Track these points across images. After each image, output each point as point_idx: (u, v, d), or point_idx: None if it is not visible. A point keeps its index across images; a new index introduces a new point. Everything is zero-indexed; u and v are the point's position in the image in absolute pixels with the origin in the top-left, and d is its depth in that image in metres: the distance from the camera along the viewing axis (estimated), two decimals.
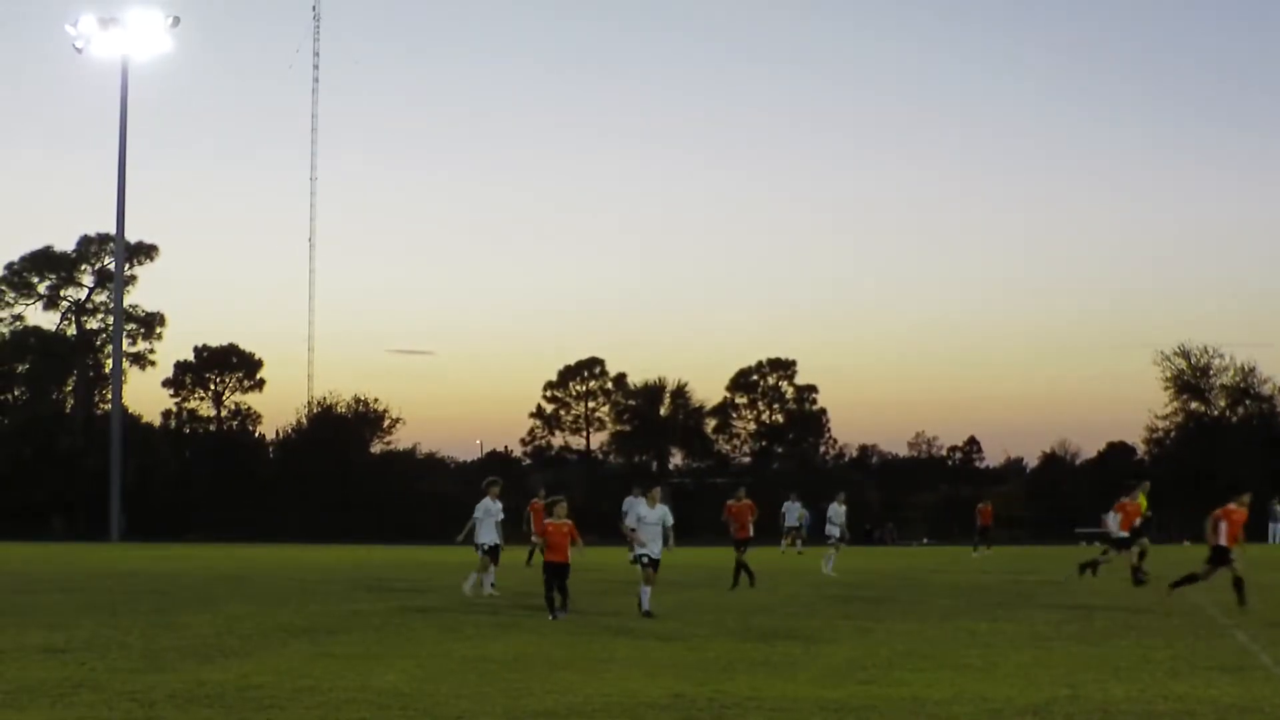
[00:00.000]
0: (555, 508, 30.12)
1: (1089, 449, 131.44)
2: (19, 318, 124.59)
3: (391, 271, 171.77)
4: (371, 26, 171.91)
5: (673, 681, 19.26)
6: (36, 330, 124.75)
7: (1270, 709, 16.68)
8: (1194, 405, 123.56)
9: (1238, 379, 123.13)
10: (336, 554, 65.29)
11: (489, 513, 35.81)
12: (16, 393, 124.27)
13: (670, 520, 30.98)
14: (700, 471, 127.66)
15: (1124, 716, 16.06)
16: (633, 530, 30.22)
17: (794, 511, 68.13)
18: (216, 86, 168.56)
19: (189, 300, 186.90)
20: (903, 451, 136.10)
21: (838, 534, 51.09)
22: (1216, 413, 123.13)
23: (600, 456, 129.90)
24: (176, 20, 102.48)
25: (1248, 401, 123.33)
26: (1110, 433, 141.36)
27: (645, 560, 29.21)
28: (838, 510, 51.92)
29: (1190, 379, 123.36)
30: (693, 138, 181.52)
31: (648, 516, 29.76)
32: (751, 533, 41.13)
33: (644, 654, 22.88)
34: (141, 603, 35.42)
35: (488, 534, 35.75)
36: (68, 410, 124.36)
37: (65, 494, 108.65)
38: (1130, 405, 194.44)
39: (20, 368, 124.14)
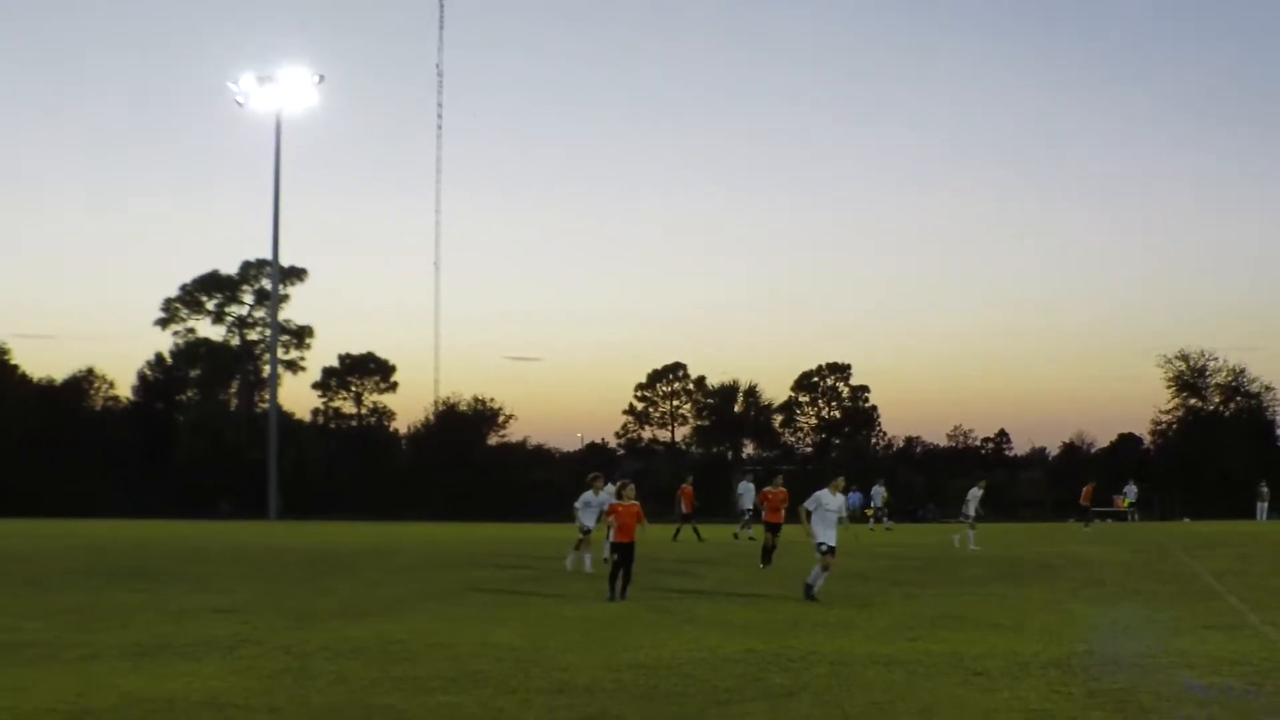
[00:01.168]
0: (624, 490, 28.12)
1: (1103, 439, 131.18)
2: (191, 330, 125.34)
3: (505, 289, 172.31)
4: (488, 83, 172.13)
5: (745, 639, 19.30)
6: (206, 341, 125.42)
7: (1257, 661, 16.62)
8: (1192, 401, 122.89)
9: (1230, 378, 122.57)
10: (459, 531, 65.32)
11: (588, 504, 34.47)
12: (189, 394, 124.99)
13: (845, 510, 29.32)
14: (769, 460, 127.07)
15: (1132, 668, 16.00)
16: (810, 512, 25.88)
17: (879, 495, 68.01)
18: (355, 133, 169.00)
19: (333, 315, 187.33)
20: (942, 442, 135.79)
21: (972, 514, 50.47)
22: (1212, 408, 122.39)
23: (683, 448, 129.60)
24: (322, 78, 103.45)
25: (1239, 398, 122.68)
26: (1121, 425, 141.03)
27: (825, 548, 25.50)
28: (975, 494, 51.18)
29: (1189, 379, 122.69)
30: (759, 174, 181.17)
31: (829, 504, 25.94)
32: (784, 518, 37.78)
33: (721, 616, 22.91)
34: (295, 572, 35.66)
35: (589, 519, 34.45)
36: (232, 409, 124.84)
37: (230, 480, 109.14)
38: (1137, 402, 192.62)
39: (193, 373, 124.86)
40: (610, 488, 34.71)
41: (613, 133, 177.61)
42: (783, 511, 37.79)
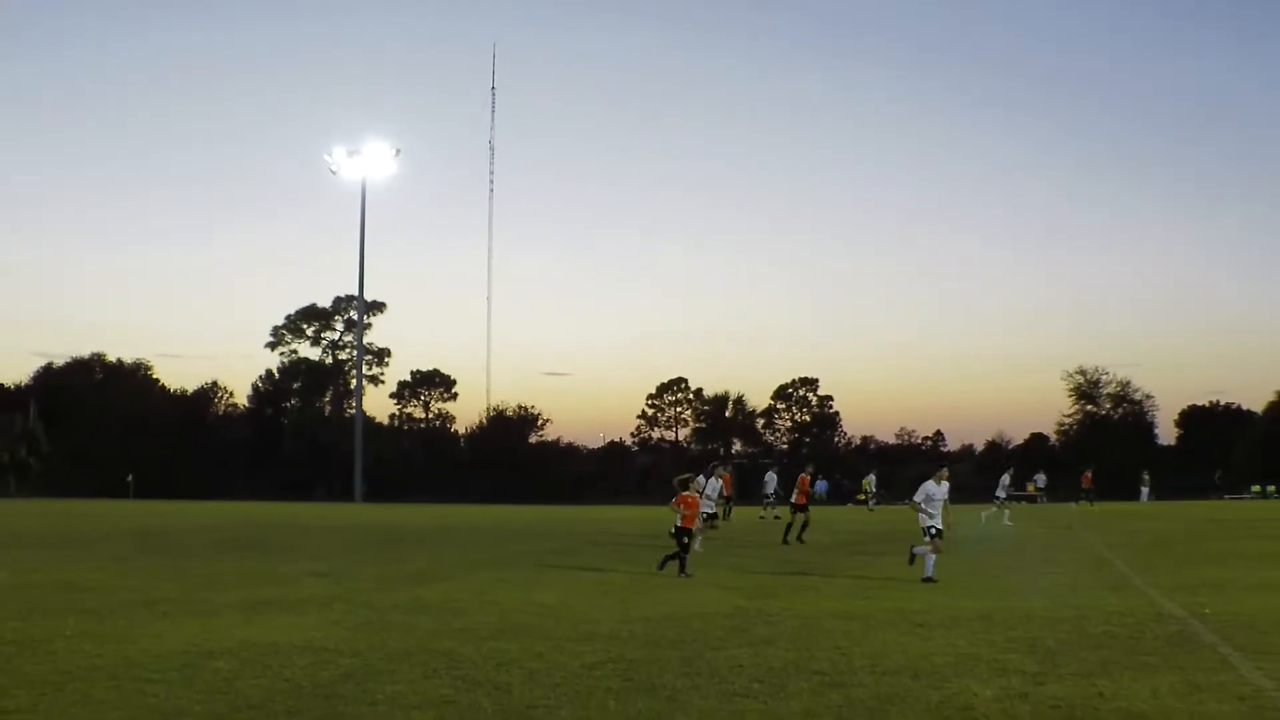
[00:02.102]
0: (692, 483, 25.48)
1: (1018, 437, 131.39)
2: (294, 351, 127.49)
3: (543, 318, 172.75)
4: (530, 156, 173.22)
5: (734, 598, 19.28)
6: (306, 360, 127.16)
7: (1139, 614, 16.58)
8: (1089, 407, 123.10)
9: (1119, 389, 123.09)
10: (507, 513, 65.38)
11: (708, 485, 32.36)
12: (293, 402, 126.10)
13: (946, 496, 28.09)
14: (753, 455, 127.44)
15: (1040, 620, 15.96)
16: (920, 504, 23.74)
17: (873, 481, 68.28)
18: (426, 193, 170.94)
19: (407, 339, 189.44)
20: (891, 440, 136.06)
21: (1004, 496, 50.23)
22: (1104, 412, 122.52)
23: (685, 445, 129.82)
24: (399, 151, 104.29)
25: (1125, 405, 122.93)
26: (1032, 426, 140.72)
27: (934, 531, 23.36)
28: (1004, 481, 50.91)
29: (1086, 389, 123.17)
30: (747, 223, 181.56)
31: (936, 494, 23.82)
32: (806, 500, 36.33)
33: (716, 580, 22.85)
34: (376, 544, 35.70)
35: (706, 505, 31.47)
36: (326, 414, 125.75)
37: (324, 470, 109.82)
38: (1046, 407, 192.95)
39: (295, 385, 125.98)
40: (705, 480, 33.44)
41: (628, 194, 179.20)
42: (806, 495, 36.32)
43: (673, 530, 24.12)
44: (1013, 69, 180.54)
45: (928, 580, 22.15)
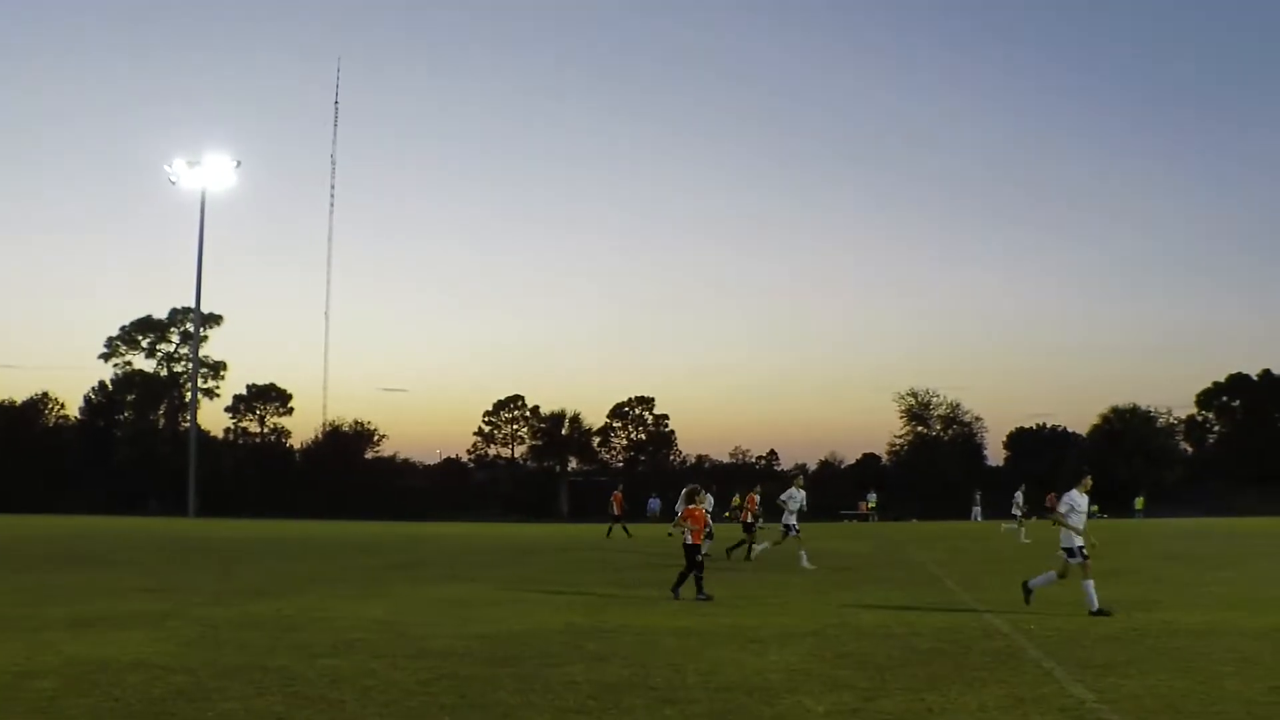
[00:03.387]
0: (699, 496, 23.93)
1: (850, 457, 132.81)
2: (128, 363, 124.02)
3: (380, 334, 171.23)
4: (371, 170, 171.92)
5: (568, 615, 19.23)
6: (140, 372, 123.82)
7: (967, 630, 16.82)
8: (920, 429, 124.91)
9: (949, 411, 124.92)
10: (342, 528, 64.85)
11: (793, 498, 32.56)
12: (126, 415, 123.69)
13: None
14: (589, 473, 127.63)
15: (871, 637, 16.12)
16: (1063, 515, 19.82)
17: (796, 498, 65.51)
18: (266, 206, 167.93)
19: (243, 352, 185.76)
20: (726, 459, 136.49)
21: (1019, 514, 50.68)
22: (935, 433, 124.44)
23: (522, 462, 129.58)
24: (239, 163, 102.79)
25: (955, 426, 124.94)
26: (864, 446, 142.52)
27: (1080, 550, 19.59)
28: (1018, 500, 51.20)
29: (918, 410, 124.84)
30: (579, 240, 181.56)
31: (1080, 505, 19.98)
32: (751, 519, 36.21)
33: (549, 597, 22.82)
34: (209, 559, 35.16)
35: (790, 517, 32.12)
36: (160, 427, 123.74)
37: (157, 484, 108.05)
38: (877, 428, 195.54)
39: (129, 397, 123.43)
40: (798, 492, 32.54)
41: (467, 211, 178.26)
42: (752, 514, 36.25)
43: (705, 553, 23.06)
44: (842, 94, 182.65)
45: (1100, 614, 18.57)
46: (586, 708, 11.11)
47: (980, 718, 10.63)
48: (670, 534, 36.26)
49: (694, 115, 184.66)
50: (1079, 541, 19.56)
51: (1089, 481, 20.47)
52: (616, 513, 53.79)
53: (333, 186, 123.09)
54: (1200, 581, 26.29)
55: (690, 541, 22.79)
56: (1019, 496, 51.70)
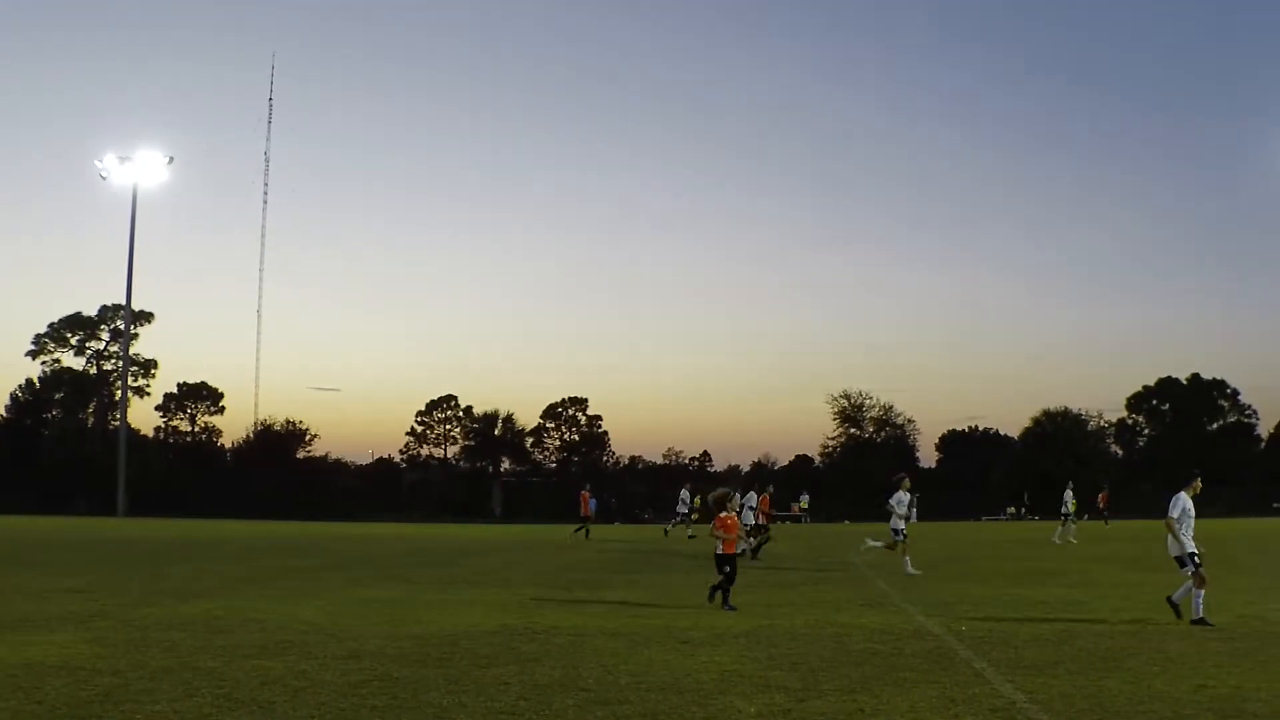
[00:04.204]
0: (729, 501, 21.56)
1: (783, 459, 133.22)
2: (57, 360, 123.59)
3: (312, 333, 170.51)
4: (305, 169, 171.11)
5: (501, 616, 19.19)
6: (69, 370, 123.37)
7: (899, 631, 16.88)
8: (853, 431, 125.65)
9: (881, 413, 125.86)
10: (273, 528, 64.49)
11: (901, 501, 30.80)
12: (54, 413, 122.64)
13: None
14: (522, 473, 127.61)
15: (803, 638, 16.17)
16: (1176, 521, 17.86)
17: (685, 496, 64.30)
18: (198, 204, 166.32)
19: (174, 350, 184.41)
20: (659, 460, 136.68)
21: (1069, 513, 49.40)
22: (867, 435, 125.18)
23: (454, 463, 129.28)
24: (171, 159, 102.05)
25: (888, 428, 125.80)
26: (797, 448, 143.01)
27: (1195, 558, 17.77)
28: (1067, 499, 49.68)
29: (850, 413, 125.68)
30: (515, 243, 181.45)
31: (1190, 508, 18.16)
32: (764, 520, 36.50)
33: (483, 598, 22.75)
34: (138, 559, 34.90)
35: (899, 521, 30.43)
36: (89, 425, 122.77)
37: (86, 483, 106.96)
38: (810, 429, 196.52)
39: (58, 395, 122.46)
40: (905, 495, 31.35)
41: (400, 210, 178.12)
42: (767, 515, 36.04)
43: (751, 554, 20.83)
44: (782, 97, 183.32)
45: (1200, 623, 17.21)
46: (518, 709, 11.08)
47: (911, 718, 10.68)
48: (692, 535, 35.47)
49: (627, 116, 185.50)
50: (1191, 548, 17.85)
51: (1199, 484, 18.79)
52: (584, 513, 53.99)
53: (266, 185, 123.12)
54: (1129, 583, 26.52)
55: (722, 552, 20.85)
56: (1068, 495, 50.73)
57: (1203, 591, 17.46)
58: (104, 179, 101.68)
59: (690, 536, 51.77)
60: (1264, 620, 17.60)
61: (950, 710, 11.02)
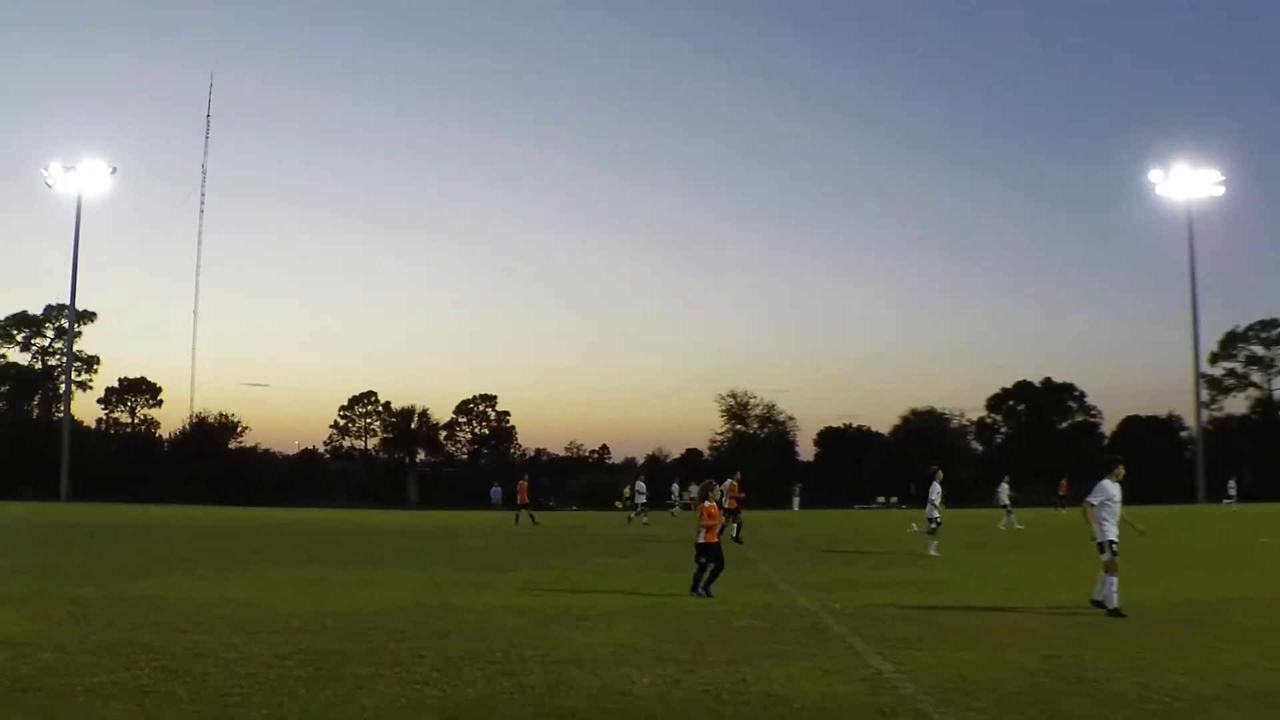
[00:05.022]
0: (712, 492, 20.58)
1: (675, 452, 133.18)
2: (3, 356, 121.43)
3: (244, 332, 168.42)
4: (239, 180, 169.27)
5: (417, 595, 19.13)
6: (15, 365, 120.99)
7: (779, 609, 17.00)
8: (739, 427, 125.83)
9: (765, 411, 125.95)
10: (205, 513, 63.78)
11: (936, 492, 30.28)
12: (1, 405, 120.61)
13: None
14: (436, 464, 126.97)
15: (691, 615, 16.25)
16: (1092, 506, 17.05)
17: (641, 487, 59.74)
18: (139, 211, 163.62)
19: (115, 347, 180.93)
20: (562, 452, 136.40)
21: (1006, 501, 49.13)
22: (752, 431, 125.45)
23: (374, 454, 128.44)
24: (115, 169, 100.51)
25: (771, 425, 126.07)
26: (688, 442, 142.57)
27: (1115, 546, 16.83)
28: (1004, 488, 49.93)
29: (737, 410, 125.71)
30: (430, 246, 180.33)
31: (1115, 495, 17.11)
32: (733, 505, 35.78)
33: (399, 578, 22.68)
34: (79, 542, 34.42)
35: (932, 509, 30.00)
36: (35, 417, 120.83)
37: (31, 471, 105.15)
38: (700, 425, 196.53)
39: (4, 389, 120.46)
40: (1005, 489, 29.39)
41: (325, 217, 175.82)
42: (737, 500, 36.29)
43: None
44: (665, 105, 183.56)
45: (1106, 607, 16.45)
46: (431, 679, 11.08)
47: (789, 687, 10.78)
48: (674, 514, 35.11)
49: (532, 127, 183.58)
50: (1110, 535, 16.83)
51: (1121, 471, 17.58)
52: (523, 500, 53.92)
53: (203, 194, 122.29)
54: (987, 566, 26.91)
55: (704, 540, 19.85)
56: (1004, 487, 51.14)
57: (1114, 579, 16.51)
58: (49, 186, 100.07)
59: (644, 523, 52.22)
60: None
61: (824, 680, 11.14)
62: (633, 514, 55.79)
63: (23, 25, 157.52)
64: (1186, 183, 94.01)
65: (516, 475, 64.54)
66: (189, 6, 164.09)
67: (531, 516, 52.24)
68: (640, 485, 59.02)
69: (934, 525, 30.42)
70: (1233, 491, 75.29)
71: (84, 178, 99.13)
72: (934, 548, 30.03)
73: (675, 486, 58.84)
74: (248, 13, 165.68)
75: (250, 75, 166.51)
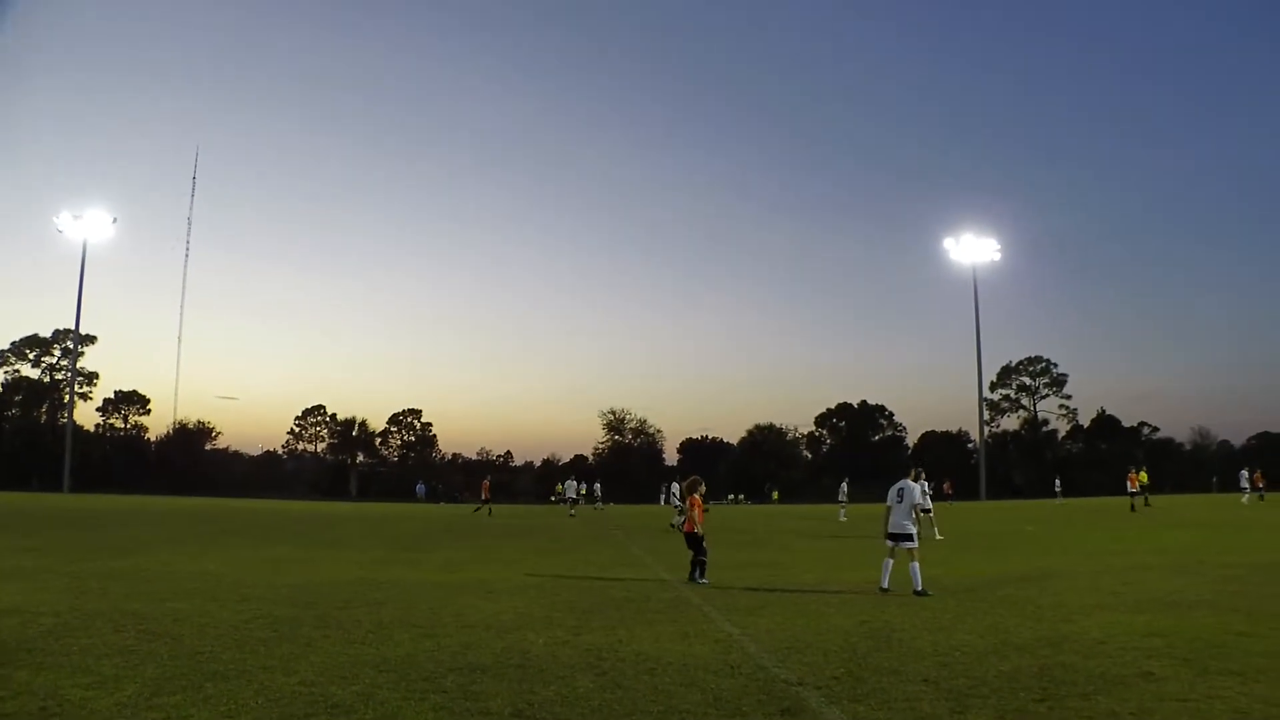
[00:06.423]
0: (700, 487, 19.32)
1: (565, 456, 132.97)
2: (17, 371, 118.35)
3: (220, 354, 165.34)
4: (219, 228, 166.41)
5: (356, 570, 18.93)
6: (27, 379, 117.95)
7: (648, 584, 17.00)
8: (617, 437, 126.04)
9: (638, 424, 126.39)
10: (186, 503, 62.44)
11: (920, 489, 29.13)
12: (14, 412, 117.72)
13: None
14: (372, 465, 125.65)
15: (577, 588, 16.19)
16: (890, 508, 16.24)
17: (571, 488, 58.43)
18: (136, 251, 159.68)
19: (112, 365, 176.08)
20: (474, 457, 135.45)
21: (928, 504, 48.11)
22: (627, 440, 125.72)
23: (322, 456, 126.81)
24: (116, 219, 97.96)
25: (643, 435, 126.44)
26: (576, 449, 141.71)
27: (900, 537, 16.06)
28: (921, 485, 48.10)
29: (615, 423, 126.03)
30: (369, 283, 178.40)
31: (911, 492, 16.21)
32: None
33: (341, 558, 22.35)
34: (80, 524, 33.53)
35: (926, 500, 28.52)
36: (43, 422, 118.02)
37: (39, 467, 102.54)
38: (586, 435, 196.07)
39: (17, 398, 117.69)
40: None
41: (286, 263, 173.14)
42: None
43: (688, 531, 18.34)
44: (550, 148, 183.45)
45: (921, 594, 15.23)
46: (368, 639, 10.97)
47: (657, 646, 10.78)
48: (672, 526, 34.11)
49: (453, 172, 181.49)
50: (894, 529, 16.09)
51: (914, 472, 17.40)
52: (485, 496, 53.46)
53: (188, 241, 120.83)
54: (815, 549, 27.14)
55: (688, 530, 18.46)
56: (844, 486, 51.29)
57: (916, 565, 15.59)
58: (60, 232, 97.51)
59: (571, 515, 51.72)
60: (908, 580, 18.04)
61: (685, 641, 11.16)
62: (572, 512, 54.90)
63: (51, 92, 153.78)
64: (972, 248, 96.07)
65: (437, 475, 64.23)
66: (184, 82, 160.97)
67: (489, 509, 51.76)
68: (570, 483, 58.95)
69: (928, 513, 30.71)
70: (1058, 489, 76.89)
71: (89, 225, 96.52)
72: (937, 532, 30.52)
73: (571, 483, 58.40)
74: (232, 94, 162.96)
75: (232, 150, 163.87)
